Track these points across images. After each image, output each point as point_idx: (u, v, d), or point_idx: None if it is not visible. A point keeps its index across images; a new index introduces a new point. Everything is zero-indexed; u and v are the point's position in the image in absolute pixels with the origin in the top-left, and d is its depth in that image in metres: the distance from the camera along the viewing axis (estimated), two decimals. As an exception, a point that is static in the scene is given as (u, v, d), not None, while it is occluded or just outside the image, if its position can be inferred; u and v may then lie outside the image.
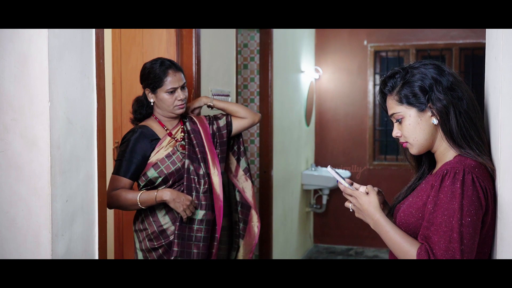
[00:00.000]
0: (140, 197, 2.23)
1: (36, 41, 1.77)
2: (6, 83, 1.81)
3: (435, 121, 1.45)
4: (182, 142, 2.38)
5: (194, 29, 2.88)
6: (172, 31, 2.87)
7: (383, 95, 1.54)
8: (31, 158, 1.80)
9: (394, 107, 1.49)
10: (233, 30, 3.50)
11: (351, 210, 1.55)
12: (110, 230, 3.11)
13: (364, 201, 1.49)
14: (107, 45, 2.95)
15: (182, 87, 2.35)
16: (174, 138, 2.38)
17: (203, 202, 2.32)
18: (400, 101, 1.47)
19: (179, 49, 2.87)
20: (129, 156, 2.28)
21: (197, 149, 2.37)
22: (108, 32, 3.04)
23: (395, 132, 1.51)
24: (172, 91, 2.31)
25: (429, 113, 1.45)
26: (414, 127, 1.46)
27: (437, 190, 1.36)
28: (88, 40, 1.97)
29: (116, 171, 2.30)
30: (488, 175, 1.40)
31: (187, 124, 2.44)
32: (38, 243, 1.81)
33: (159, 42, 2.90)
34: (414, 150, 1.50)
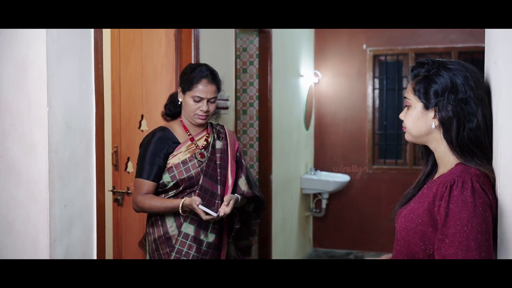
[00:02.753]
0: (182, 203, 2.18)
1: (35, 46, 1.76)
2: (4, 88, 1.80)
3: (433, 124, 1.45)
4: (203, 150, 2.34)
5: (193, 33, 2.87)
6: (171, 35, 2.87)
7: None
8: (29, 163, 1.79)
9: (408, 92, 1.52)
10: (232, 34, 3.50)
11: None
12: (109, 235, 3.09)
13: None
14: (106, 49, 2.94)
15: (211, 100, 2.29)
16: (195, 144, 2.33)
17: (212, 225, 2.30)
18: (414, 91, 1.49)
19: (178, 53, 2.87)
20: (150, 158, 2.25)
21: (219, 170, 2.32)
22: (107, 36, 3.04)
23: (401, 115, 1.56)
24: (199, 100, 2.26)
25: (432, 114, 1.45)
26: (414, 119, 1.49)
27: (446, 201, 1.35)
28: (86, 44, 1.96)
29: (139, 174, 2.27)
30: (490, 184, 1.39)
31: (216, 140, 2.38)
32: (36, 248, 1.80)
33: (158, 46, 2.90)
34: (408, 137, 1.55)
